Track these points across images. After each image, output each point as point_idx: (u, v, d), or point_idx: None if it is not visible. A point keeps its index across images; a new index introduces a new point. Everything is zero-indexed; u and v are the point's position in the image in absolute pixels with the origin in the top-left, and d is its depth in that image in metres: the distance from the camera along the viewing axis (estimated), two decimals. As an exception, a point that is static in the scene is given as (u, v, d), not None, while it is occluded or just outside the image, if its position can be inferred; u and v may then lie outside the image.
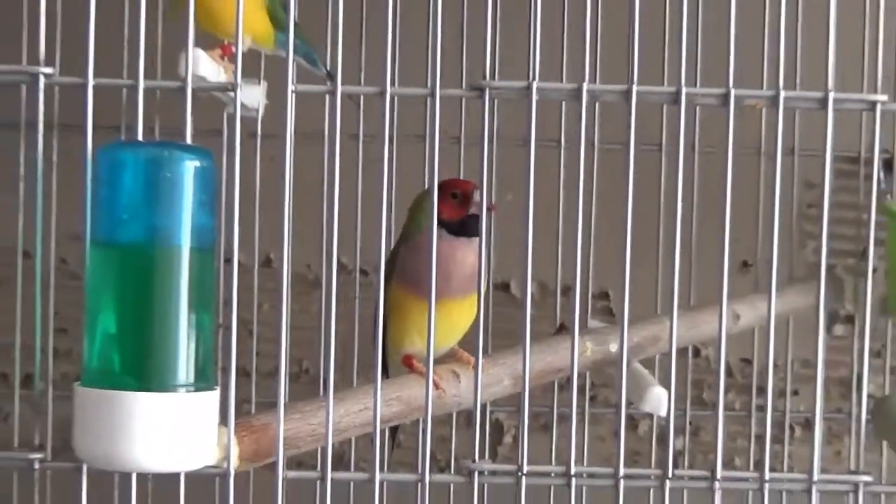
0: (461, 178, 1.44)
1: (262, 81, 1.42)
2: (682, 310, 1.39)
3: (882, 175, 1.77)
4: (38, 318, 1.35)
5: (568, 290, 1.72)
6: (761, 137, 1.61)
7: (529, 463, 1.29)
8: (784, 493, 1.37)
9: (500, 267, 1.72)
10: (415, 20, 1.38)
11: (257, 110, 1.41)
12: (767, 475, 1.31)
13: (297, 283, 1.37)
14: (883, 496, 1.37)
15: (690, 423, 1.88)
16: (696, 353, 1.84)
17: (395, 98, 1.28)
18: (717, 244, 1.28)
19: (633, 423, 1.75)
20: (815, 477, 1.31)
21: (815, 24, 1.35)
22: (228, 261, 1.24)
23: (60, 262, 1.62)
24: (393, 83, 1.25)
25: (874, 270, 1.52)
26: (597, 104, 1.32)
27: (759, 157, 1.60)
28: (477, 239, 1.37)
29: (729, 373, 1.87)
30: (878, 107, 1.28)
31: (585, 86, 1.25)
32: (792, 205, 1.71)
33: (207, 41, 1.41)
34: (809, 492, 1.31)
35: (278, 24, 1.48)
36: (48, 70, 1.23)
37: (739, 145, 1.29)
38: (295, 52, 1.37)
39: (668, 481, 1.30)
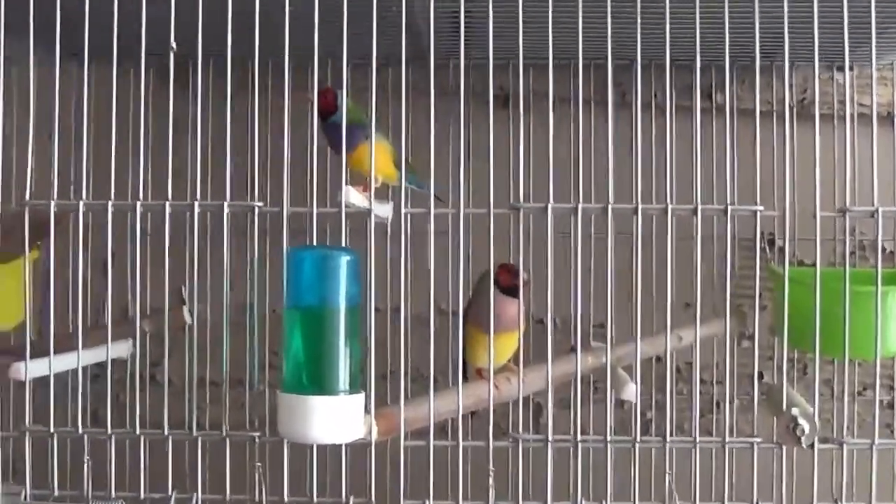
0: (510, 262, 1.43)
1: (389, 201, 1.42)
2: (646, 334, 1.41)
3: (766, 248, 1.78)
4: (255, 345, 1.38)
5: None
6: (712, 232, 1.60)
7: (556, 432, 1.32)
8: (713, 450, 1.35)
9: (537, 309, 1.72)
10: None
11: (387, 219, 1.41)
12: (698, 438, 1.33)
13: (414, 322, 1.38)
14: (774, 451, 1.35)
15: (656, 401, 1.86)
16: (659, 360, 1.83)
17: (470, 215, 1.29)
18: (666, 292, 1.31)
19: (620, 403, 1.73)
20: (726, 438, 1.32)
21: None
22: (378, 310, 1.26)
23: (272, 312, 1.65)
24: (467, 205, 1.29)
25: (764, 307, 1.53)
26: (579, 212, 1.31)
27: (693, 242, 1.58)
28: (517, 298, 1.38)
29: (679, 371, 1.85)
30: (758, 213, 1.29)
31: (580, 205, 1.28)
32: (714, 268, 1.71)
33: (354, 177, 1.43)
34: (723, 447, 1.32)
35: (399, 167, 1.49)
36: (260, 203, 1.27)
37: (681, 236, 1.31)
38: (408, 183, 1.40)
39: (636, 444, 1.32)
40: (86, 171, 1.31)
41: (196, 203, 1.26)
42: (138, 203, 1.27)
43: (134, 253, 1.53)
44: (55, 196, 1.28)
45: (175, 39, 1.24)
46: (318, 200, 1.26)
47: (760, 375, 1.63)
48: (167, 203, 1.26)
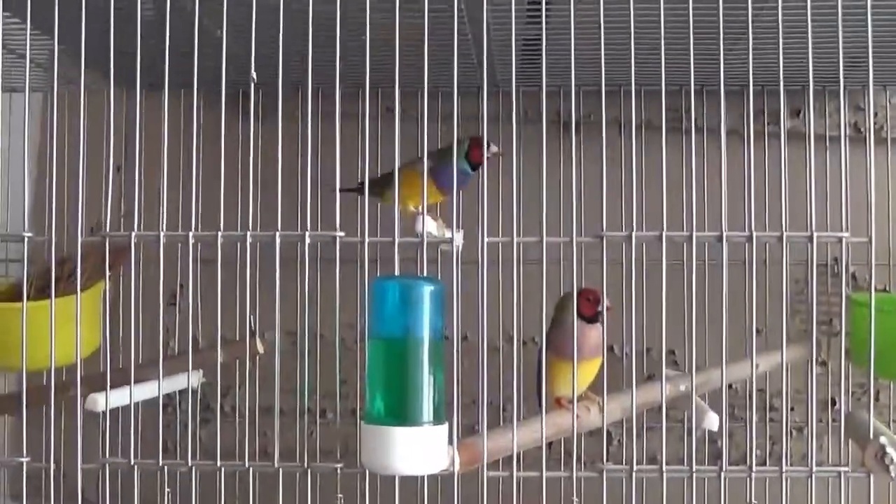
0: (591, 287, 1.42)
1: (461, 229, 1.40)
2: (720, 362, 1.39)
3: (847, 275, 1.76)
4: (338, 374, 1.37)
5: (649, 351, 1.73)
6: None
7: (629, 461, 1.30)
8: (789, 479, 1.33)
9: (608, 338, 1.70)
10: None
11: (460, 246, 1.40)
12: (785, 468, 1.31)
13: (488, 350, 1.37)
14: (851, 479, 1.32)
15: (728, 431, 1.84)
16: (730, 387, 1.82)
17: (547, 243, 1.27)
18: (740, 319, 1.28)
19: (690, 432, 1.71)
20: (813, 468, 1.30)
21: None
22: (447, 338, 1.25)
23: (341, 341, 1.64)
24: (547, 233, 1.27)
25: (840, 333, 1.51)
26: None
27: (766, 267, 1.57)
28: (599, 325, 1.37)
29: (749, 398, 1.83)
30: (844, 239, 1.27)
31: (634, 233, 1.27)
32: (786, 294, 1.68)
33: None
34: (810, 476, 1.30)
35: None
36: (342, 234, 1.26)
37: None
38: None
39: (722, 473, 1.30)
40: (145, 201, 1.30)
41: (277, 234, 1.26)
42: (219, 234, 1.26)
43: (205, 283, 1.52)
44: (116, 227, 1.29)
45: (236, 68, 1.24)
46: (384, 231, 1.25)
47: (833, 402, 1.61)
48: (249, 233, 1.26)
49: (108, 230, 1.28)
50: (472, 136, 1.50)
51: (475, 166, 1.50)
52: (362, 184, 1.51)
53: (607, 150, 1.26)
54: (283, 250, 1.28)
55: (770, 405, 1.75)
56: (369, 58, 1.22)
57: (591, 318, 1.41)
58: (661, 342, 1.27)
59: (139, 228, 1.28)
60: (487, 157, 1.41)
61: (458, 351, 1.55)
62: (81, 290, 1.37)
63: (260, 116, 1.65)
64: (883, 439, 1.28)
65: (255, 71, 1.25)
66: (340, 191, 1.25)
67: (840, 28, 1.24)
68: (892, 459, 1.28)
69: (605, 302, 1.36)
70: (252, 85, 1.26)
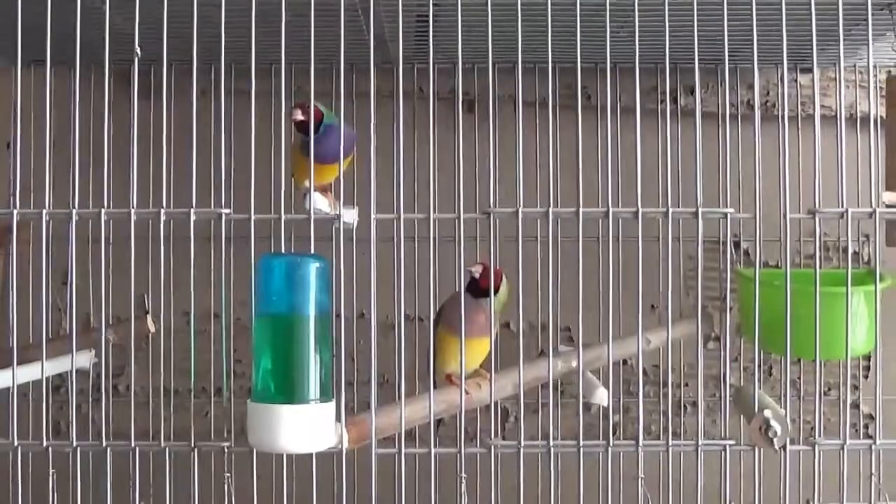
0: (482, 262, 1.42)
1: (355, 206, 1.40)
2: (614, 338, 1.40)
3: (733, 250, 1.79)
4: (224, 353, 1.37)
5: (544, 327, 1.74)
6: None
7: (525, 437, 1.30)
8: (681, 453, 1.35)
9: (504, 314, 1.71)
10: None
11: (353, 224, 1.39)
12: (671, 441, 1.33)
13: (379, 328, 1.37)
14: (741, 453, 1.35)
15: (624, 406, 1.87)
16: (625, 362, 1.84)
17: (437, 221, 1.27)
18: (634, 295, 1.30)
19: (587, 406, 1.72)
20: (700, 441, 1.32)
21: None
22: (338, 316, 1.25)
23: (236, 320, 1.64)
24: (436, 210, 1.28)
25: (730, 308, 1.54)
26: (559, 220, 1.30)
27: (658, 243, 1.58)
28: (487, 300, 1.37)
29: (645, 374, 1.85)
30: (729, 215, 1.29)
31: (551, 210, 1.28)
32: (680, 271, 1.71)
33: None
34: (697, 450, 1.32)
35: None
36: (227, 211, 1.25)
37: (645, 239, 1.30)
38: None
39: (609, 448, 1.31)
40: (49, 179, 1.29)
41: (162, 211, 1.24)
42: (102, 211, 1.24)
43: (97, 262, 1.50)
44: (17, 205, 1.26)
45: (140, 45, 1.23)
46: (280, 207, 1.24)
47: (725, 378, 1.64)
48: (132, 211, 1.24)
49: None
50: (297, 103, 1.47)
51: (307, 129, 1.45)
52: None
53: (497, 128, 1.27)
54: (177, 229, 1.27)
55: (665, 381, 1.77)
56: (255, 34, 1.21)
57: (481, 293, 1.40)
58: (555, 318, 1.29)
59: (30, 207, 1.27)
60: (303, 120, 1.38)
61: (353, 329, 1.55)
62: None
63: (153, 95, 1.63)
64: (767, 413, 1.31)
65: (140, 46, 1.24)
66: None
67: (725, 7, 1.27)
68: (775, 433, 1.30)
69: (474, 270, 1.37)
70: (136, 59, 1.25)
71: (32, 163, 1.53)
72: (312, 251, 1.23)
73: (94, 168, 1.31)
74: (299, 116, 1.37)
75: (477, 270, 1.40)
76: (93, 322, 1.75)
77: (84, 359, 1.53)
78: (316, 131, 1.35)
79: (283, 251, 1.23)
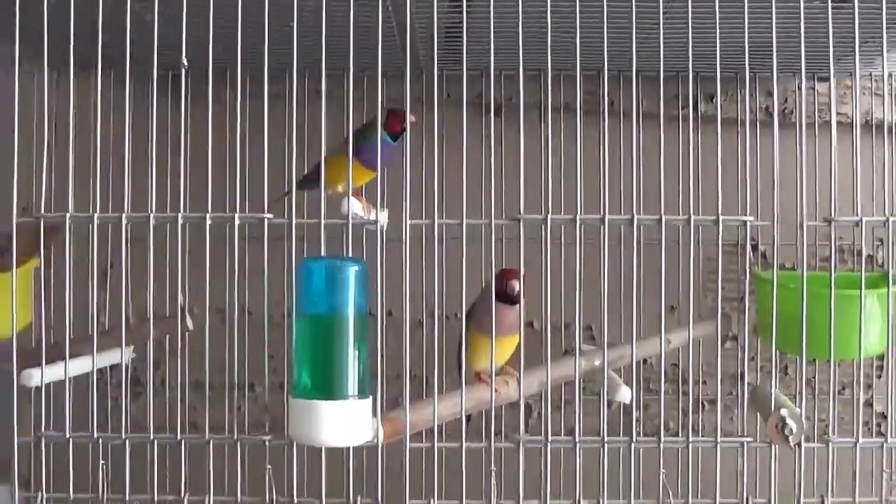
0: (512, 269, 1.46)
1: (385, 209, 1.44)
2: (636, 338, 1.45)
3: (752, 254, 1.83)
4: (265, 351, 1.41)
5: (568, 327, 1.79)
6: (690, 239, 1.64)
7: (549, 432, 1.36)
8: (700, 449, 1.40)
9: (527, 313, 1.74)
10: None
11: (384, 225, 1.43)
12: (691, 438, 1.38)
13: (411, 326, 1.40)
14: (758, 449, 1.39)
15: (644, 404, 1.90)
16: (645, 361, 1.88)
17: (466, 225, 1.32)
18: (656, 296, 1.35)
19: (607, 403, 1.75)
20: (719, 438, 1.37)
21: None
22: (372, 315, 1.29)
23: (269, 317, 1.68)
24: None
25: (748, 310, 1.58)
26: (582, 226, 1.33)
27: (679, 247, 1.61)
28: (517, 305, 1.43)
29: (665, 373, 1.89)
30: (748, 223, 1.34)
31: (578, 217, 1.33)
32: (699, 273, 1.74)
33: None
34: (715, 446, 1.36)
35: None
36: (270, 216, 1.30)
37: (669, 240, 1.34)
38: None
39: (632, 443, 1.36)
40: (97, 183, 1.34)
41: (207, 215, 1.29)
42: (151, 215, 1.30)
43: (128, 263, 1.54)
44: (48, 209, 1.32)
45: (165, 51, 1.28)
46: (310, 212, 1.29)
47: (742, 376, 1.68)
48: (180, 215, 1.30)
49: (41, 212, 1.31)
50: (389, 108, 1.54)
51: (395, 137, 1.54)
52: (303, 181, 1.56)
53: (527, 133, 1.31)
54: (212, 230, 1.32)
55: (684, 379, 1.81)
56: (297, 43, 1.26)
57: (510, 301, 1.44)
58: (578, 319, 1.33)
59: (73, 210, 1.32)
60: (404, 128, 1.46)
61: (383, 327, 1.60)
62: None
63: (190, 100, 1.67)
64: (783, 411, 1.36)
65: (186, 57, 1.29)
66: (299, 187, 1.28)
67: (746, 18, 1.31)
68: (791, 430, 1.35)
69: (518, 285, 1.41)
70: (183, 70, 1.30)
71: (77, 168, 1.57)
72: (350, 254, 1.28)
73: (138, 174, 1.35)
74: (413, 119, 1.45)
75: (516, 287, 1.44)
76: (132, 319, 1.79)
77: (125, 354, 1.57)
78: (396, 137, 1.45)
79: (321, 254, 1.28)
